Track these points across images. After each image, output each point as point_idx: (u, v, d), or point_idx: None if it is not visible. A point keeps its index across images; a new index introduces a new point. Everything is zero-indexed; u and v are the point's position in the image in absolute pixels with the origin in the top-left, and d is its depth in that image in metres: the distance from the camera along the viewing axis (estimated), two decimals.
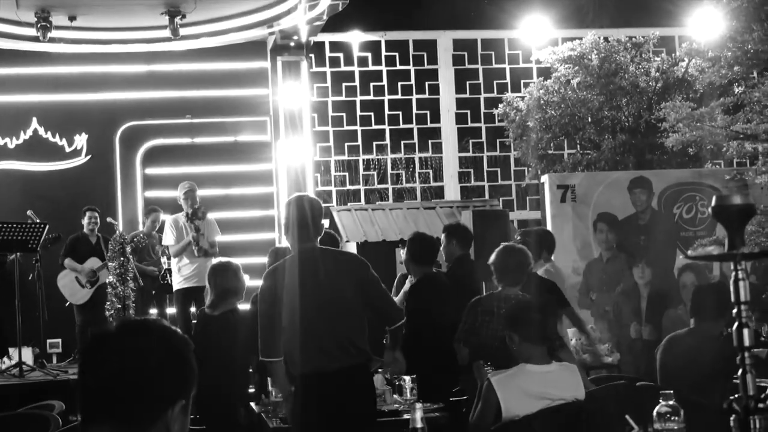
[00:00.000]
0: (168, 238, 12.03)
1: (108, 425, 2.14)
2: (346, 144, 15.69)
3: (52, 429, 6.90)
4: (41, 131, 14.53)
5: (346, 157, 15.72)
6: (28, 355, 11.33)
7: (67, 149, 14.58)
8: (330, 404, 5.47)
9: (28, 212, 12.17)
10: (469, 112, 16.12)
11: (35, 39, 13.01)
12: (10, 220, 11.33)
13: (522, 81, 15.97)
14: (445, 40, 16.14)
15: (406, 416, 5.96)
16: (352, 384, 5.58)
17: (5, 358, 11.62)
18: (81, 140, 14.60)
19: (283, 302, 5.64)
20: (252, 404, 7.13)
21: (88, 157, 14.61)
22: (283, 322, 5.63)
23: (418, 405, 3.12)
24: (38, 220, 11.75)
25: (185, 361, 2.23)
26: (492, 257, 6.85)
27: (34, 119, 14.50)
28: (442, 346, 6.78)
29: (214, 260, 9.59)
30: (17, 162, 14.45)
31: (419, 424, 3.13)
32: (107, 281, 12.18)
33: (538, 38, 15.40)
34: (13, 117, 14.44)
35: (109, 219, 13.14)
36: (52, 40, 13.02)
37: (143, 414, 2.15)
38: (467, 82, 16.14)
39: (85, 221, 12.60)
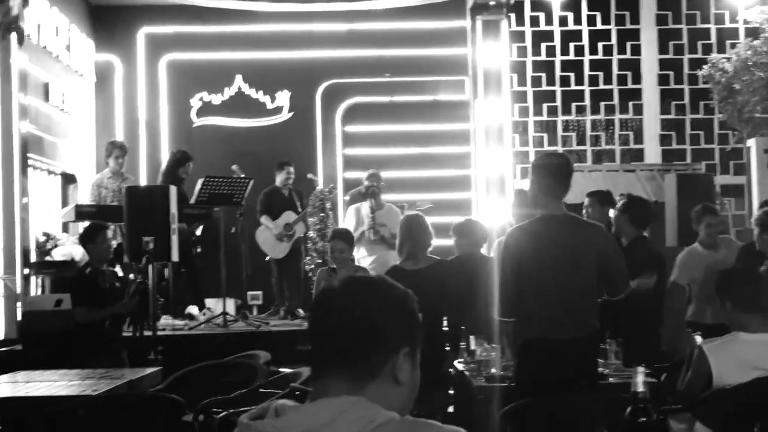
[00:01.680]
0: (347, 226, 11.25)
1: (336, 376, 2.18)
2: (544, 104, 15.50)
3: (259, 378, 7.10)
4: (245, 88, 14.92)
5: (544, 118, 15.54)
6: (230, 306, 11.67)
7: (269, 106, 14.93)
8: (553, 373, 5.39)
9: (233, 167, 12.48)
10: (672, 73, 15.68)
11: None
12: (215, 175, 11.66)
13: (728, 41, 15.41)
14: None
15: (611, 380, 5.89)
16: (576, 355, 5.49)
17: (205, 310, 12.02)
18: (283, 97, 14.92)
19: (523, 264, 5.57)
20: (456, 363, 7.15)
21: (290, 114, 14.93)
22: (520, 285, 5.57)
23: (640, 369, 3.04)
24: (243, 175, 12.05)
25: (408, 310, 2.26)
26: None
27: (239, 77, 14.90)
28: (644, 309, 6.66)
29: (409, 212, 9.61)
30: (222, 118, 14.89)
31: (641, 389, 3.05)
32: (307, 235, 12.42)
33: None
34: (219, 74, 14.88)
35: (309, 175, 13.42)
36: None
37: (369, 362, 2.18)
38: (670, 43, 15.69)
39: (281, 176, 12.76)
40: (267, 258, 12.49)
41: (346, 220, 11.32)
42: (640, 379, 3.07)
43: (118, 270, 10.11)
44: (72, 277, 9.00)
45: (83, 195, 13.68)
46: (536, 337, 5.55)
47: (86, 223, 12.89)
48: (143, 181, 14.10)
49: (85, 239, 8.63)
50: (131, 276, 8.81)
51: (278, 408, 2.18)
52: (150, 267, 9.09)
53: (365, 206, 11.02)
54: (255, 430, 2.15)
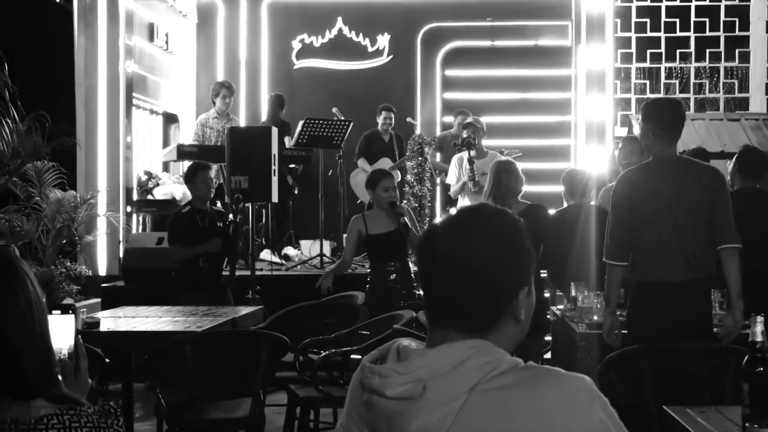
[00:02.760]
0: (450, 177, 10.97)
1: (457, 322, 2.12)
2: (648, 51, 15.21)
3: (359, 319, 7.16)
4: (345, 30, 14.89)
5: (647, 65, 15.26)
6: (326, 248, 11.75)
7: (370, 49, 14.89)
8: (668, 315, 5.37)
9: (334, 109, 12.52)
10: None
11: None
12: (316, 117, 11.70)
13: None
14: None
15: (715, 330, 5.80)
16: (691, 297, 5.45)
17: (298, 251, 12.14)
18: (383, 40, 14.87)
19: (637, 205, 5.54)
20: (555, 309, 7.12)
21: (390, 57, 14.88)
22: (634, 227, 5.55)
23: (759, 318, 2.98)
24: (342, 118, 12.08)
25: (523, 247, 2.18)
26: None
27: (339, 19, 14.88)
28: (755, 261, 6.52)
29: (501, 157, 9.53)
30: (322, 60, 14.90)
31: (759, 338, 2.99)
32: (405, 179, 12.43)
33: None
34: (320, 16, 14.88)
35: (408, 119, 13.40)
36: None
37: (492, 310, 2.14)
38: None
39: (380, 119, 12.76)
40: (359, 201, 12.52)
41: (450, 171, 11.02)
42: (759, 329, 3.01)
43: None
44: (171, 215, 9.11)
45: (184, 135, 13.86)
46: (651, 279, 5.51)
47: (188, 163, 13.15)
48: (242, 122, 14.21)
49: (186, 178, 8.73)
50: (230, 216, 8.88)
51: (401, 350, 2.16)
52: (242, 206, 9.21)
53: (465, 156, 10.59)
54: (377, 374, 2.13)
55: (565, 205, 8.10)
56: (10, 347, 2.09)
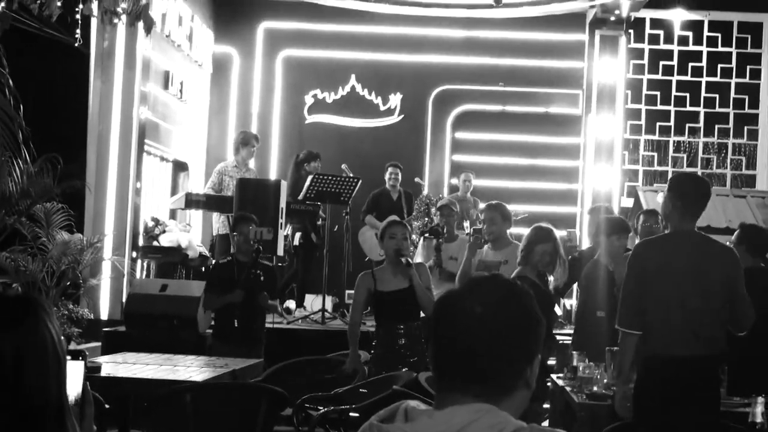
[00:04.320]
0: (417, 257, 10.23)
1: (468, 387, 2.13)
2: (657, 123, 15.30)
3: (359, 377, 7.15)
4: (358, 88, 15.03)
5: (656, 137, 15.34)
6: (328, 304, 11.76)
7: (382, 108, 15.02)
8: (674, 390, 5.36)
9: (343, 166, 12.59)
10: None
11: None
12: (325, 172, 11.76)
13: None
14: None
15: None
16: (700, 373, 5.44)
17: (301, 308, 12.14)
18: (395, 100, 15.01)
19: (652, 278, 5.56)
20: (553, 376, 7.12)
21: (401, 116, 15.01)
22: (647, 299, 5.56)
23: (760, 399, 3.00)
24: (351, 174, 12.13)
25: (537, 316, 2.21)
26: None
27: (353, 76, 15.03)
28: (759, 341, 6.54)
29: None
30: (333, 116, 15.03)
31: (759, 419, 3.01)
32: (411, 238, 12.43)
33: None
34: (334, 73, 15.03)
35: (417, 179, 13.49)
36: (378, 0, 13.36)
37: (506, 378, 2.16)
38: None
39: (386, 176, 12.86)
40: (366, 258, 12.50)
41: (417, 251, 10.61)
42: (759, 410, 3.03)
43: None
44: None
45: (194, 183, 13.92)
46: (661, 352, 5.50)
47: (194, 212, 13.20)
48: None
49: (231, 229, 8.84)
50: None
51: (408, 411, 2.18)
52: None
53: (434, 242, 10.03)
54: None
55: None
56: (27, 393, 2.11)
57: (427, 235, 10.28)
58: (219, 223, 11.77)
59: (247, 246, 8.39)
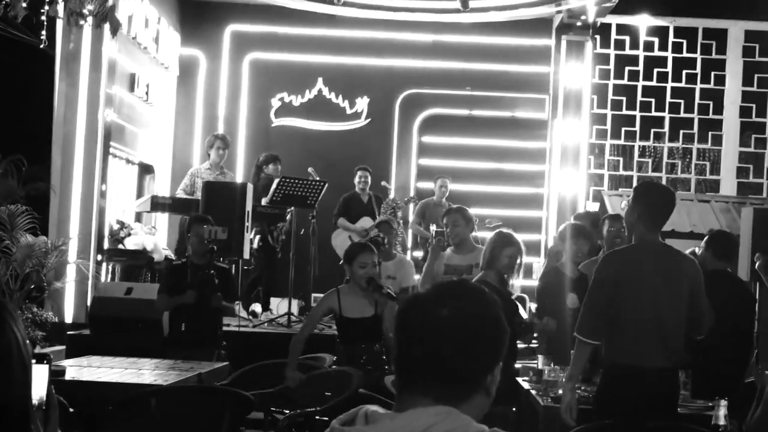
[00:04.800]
0: None
1: (429, 389, 2.15)
2: (623, 128, 15.39)
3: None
4: (325, 92, 15.03)
5: (621, 142, 15.42)
6: (294, 307, 11.73)
7: (349, 111, 15.04)
8: (636, 400, 5.38)
9: (309, 169, 12.58)
10: (754, 106, 15.49)
11: (330, 2, 13.39)
12: (291, 176, 11.75)
13: None
14: (736, 30, 15.53)
15: (679, 410, 5.83)
16: (663, 385, 5.47)
17: (268, 312, 12.11)
18: (362, 103, 15.03)
19: (620, 289, 5.55)
20: (519, 379, 7.13)
21: (368, 120, 15.03)
22: (615, 310, 5.55)
23: (723, 402, 3.03)
24: (318, 178, 12.13)
25: (502, 323, 2.22)
26: None
27: (320, 80, 15.02)
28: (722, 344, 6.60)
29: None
30: (300, 119, 15.03)
31: (722, 421, 3.04)
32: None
33: None
34: (300, 76, 15.03)
35: (383, 183, 13.51)
36: (346, 3, 13.36)
37: (468, 382, 2.17)
38: (755, 75, 15.49)
39: (356, 179, 12.94)
40: (340, 261, 12.43)
41: None
42: (722, 413, 3.06)
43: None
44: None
45: (159, 185, 13.87)
46: (625, 363, 5.51)
47: (160, 214, 13.14)
48: None
49: (186, 230, 8.73)
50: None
51: (368, 414, 2.19)
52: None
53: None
54: None
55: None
56: None
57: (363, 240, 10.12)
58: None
59: (201, 247, 8.29)
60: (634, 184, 14.96)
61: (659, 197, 5.68)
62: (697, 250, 8.27)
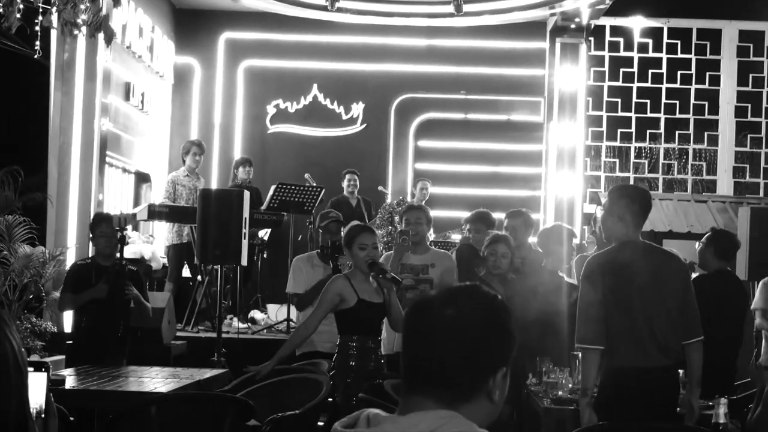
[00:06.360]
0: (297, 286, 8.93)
1: (431, 392, 2.15)
2: (619, 130, 15.41)
3: (325, 389, 7.11)
4: (320, 98, 15.05)
5: (617, 144, 15.45)
6: (293, 313, 11.70)
7: (344, 117, 15.05)
8: (638, 401, 5.36)
9: (306, 175, 12.59)
10: (749, 105, 15.51)
11: (323, 8, 13.41)
12: (287, 182, 11.76)
13: None
14: (730, 30, 15.56)
15: (678, 410, 5.83)
16: (663, 383, 5.45)
17: (265, 315, 12.12)
18: (358, 109, 15.04)
19: (610, 291, 5.51)
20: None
21: (363, 125, 15.03)
22: (608, 312, 5.51)
23: (723, 401, 3.03)
24: (314, 184, 12.14)
25: (508, 329, 2.22)
26: None
27: (315, 86, 15.03)
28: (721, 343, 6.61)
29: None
30: (296, 126, 15.04)
31: (722, 419, 3.04)
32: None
33: None
34: (296, 83, 15.04)
35: (380, 188, 13.52)
36: (339, 9, 13.38)
37: (469, 385, 2.17)
38: (750, 75, 15.52)
39: (344, 183, 12.99)
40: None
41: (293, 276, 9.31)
42: (722, 411, 3.06)
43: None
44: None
45: (156, 194, 13.86)
46: (624, 365, 5.50)
47: (159, 223, 13.12)
48: (214, 184, 14.25)
49: (90, 230, 8.30)
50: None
51: (371, 417, 2.19)
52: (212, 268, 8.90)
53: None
54: None
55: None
56: None
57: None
58: (171, 233, 11.84)
59: (108, 248, 7.84)
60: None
61: (637, 198, 5.64)
62: (697, 245, 8.27)
